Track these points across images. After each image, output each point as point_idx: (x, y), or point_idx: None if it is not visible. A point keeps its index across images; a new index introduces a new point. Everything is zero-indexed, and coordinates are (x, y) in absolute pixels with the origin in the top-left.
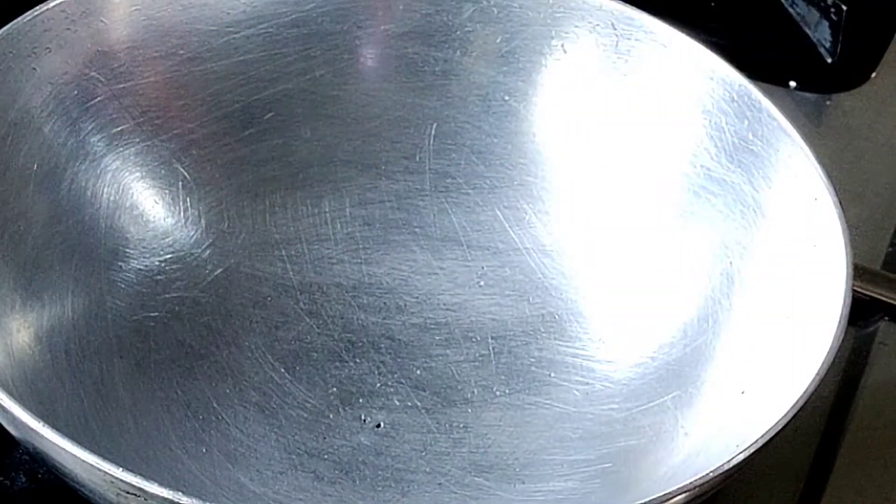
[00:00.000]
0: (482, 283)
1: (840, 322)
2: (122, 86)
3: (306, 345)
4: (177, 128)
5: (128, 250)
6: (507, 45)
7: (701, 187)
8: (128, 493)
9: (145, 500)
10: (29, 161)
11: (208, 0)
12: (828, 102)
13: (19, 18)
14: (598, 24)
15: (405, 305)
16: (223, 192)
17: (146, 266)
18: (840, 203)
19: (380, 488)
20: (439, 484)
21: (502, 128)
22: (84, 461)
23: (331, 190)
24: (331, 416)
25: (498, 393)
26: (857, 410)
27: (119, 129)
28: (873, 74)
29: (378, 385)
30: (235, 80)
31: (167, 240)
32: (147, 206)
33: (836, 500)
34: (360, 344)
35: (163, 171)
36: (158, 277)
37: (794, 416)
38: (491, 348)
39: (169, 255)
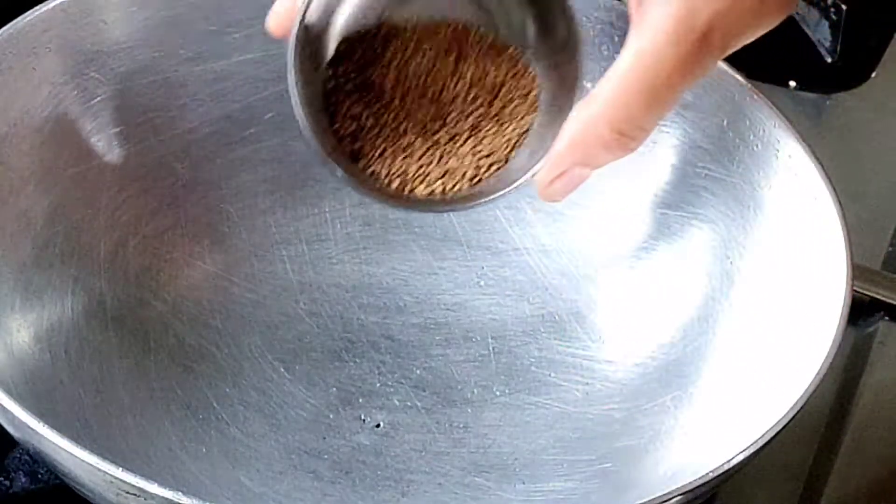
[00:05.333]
0: (482, 283)
1: (840, 322)
2: (122, 86)
3: (306, 345)
4: (177, 128)
5: (128, 250)
6: None
7: (701, 187)
8: (128, 493)
9: (145, 500)
10: (29, 161)
11: (208, 0)
12: (828, 102)
13: (19, 18)
14: (598, 24)
15: (405, 305)
16: (223, 192)
17: (146, 266)
18: (840, 203)
19: (380, 488)
20: (439, 484)
21: None
22: (84, 461)
23: (331, 190)
24: (331, 416)
25: (498, 393)
26: (857, 410)
27: (119, 128)
28: (873, 74)
29: (378, 385)
30: (235, 80)
31: (168, 240)
32: (147, 206)
33: (836, 500)
34: (359, 344)
35: (163, 171)
36: (159, 277)
37: (794, 416)
38: (491, 348)
39: (169, 255)
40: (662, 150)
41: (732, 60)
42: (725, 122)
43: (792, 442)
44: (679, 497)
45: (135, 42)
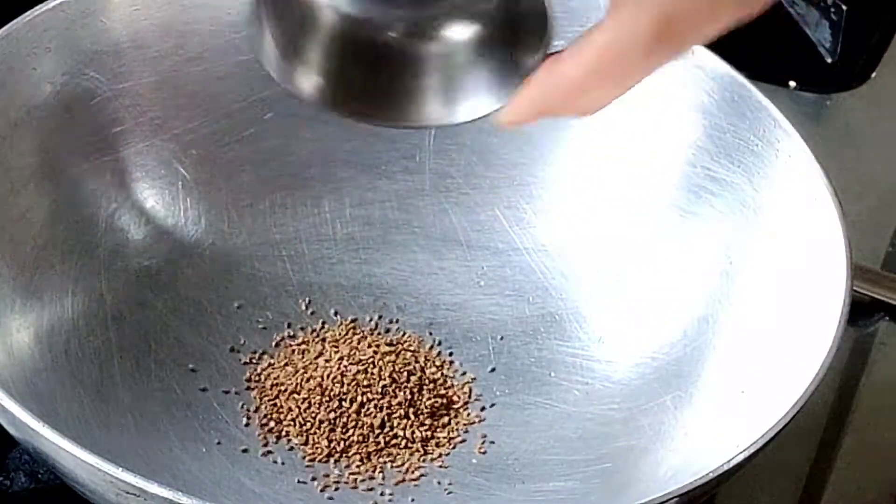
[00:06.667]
0: (482, 283)
1: (840, 322)
2: (122, 86)
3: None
4: (177, 128)
5: (128, 250)
6: None
7: (701, 187)
8: (128, 493)
9: (145, 500)
10: (29, 161)
11: (208, 0)
12: (828, 102)
13: (19, 18)
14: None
15: (405, 305)
16: (223, 192)
17: (146, 266)
18: (840, 203)
19: (380, 488)
20: (439, 483)
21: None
22: (84, 461)
23: (331, 190)
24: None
25: (498, 393)
26: (857, 410)
27: (119, 129)
28: (873, 74)
29: None
30: (235, 80)
31: (167, 240)
32: (147, 206)
33: (836, 500)
34: None
35: (163, 171)
36: (158, 277)
37: (794, 416)
38: (491, 348)
39: (169, 255)
40: (663, 150)
41: (732, 60)
42: (725, 122)
43: (792, 442)
44: (679, 497)
45: (135, 42)
